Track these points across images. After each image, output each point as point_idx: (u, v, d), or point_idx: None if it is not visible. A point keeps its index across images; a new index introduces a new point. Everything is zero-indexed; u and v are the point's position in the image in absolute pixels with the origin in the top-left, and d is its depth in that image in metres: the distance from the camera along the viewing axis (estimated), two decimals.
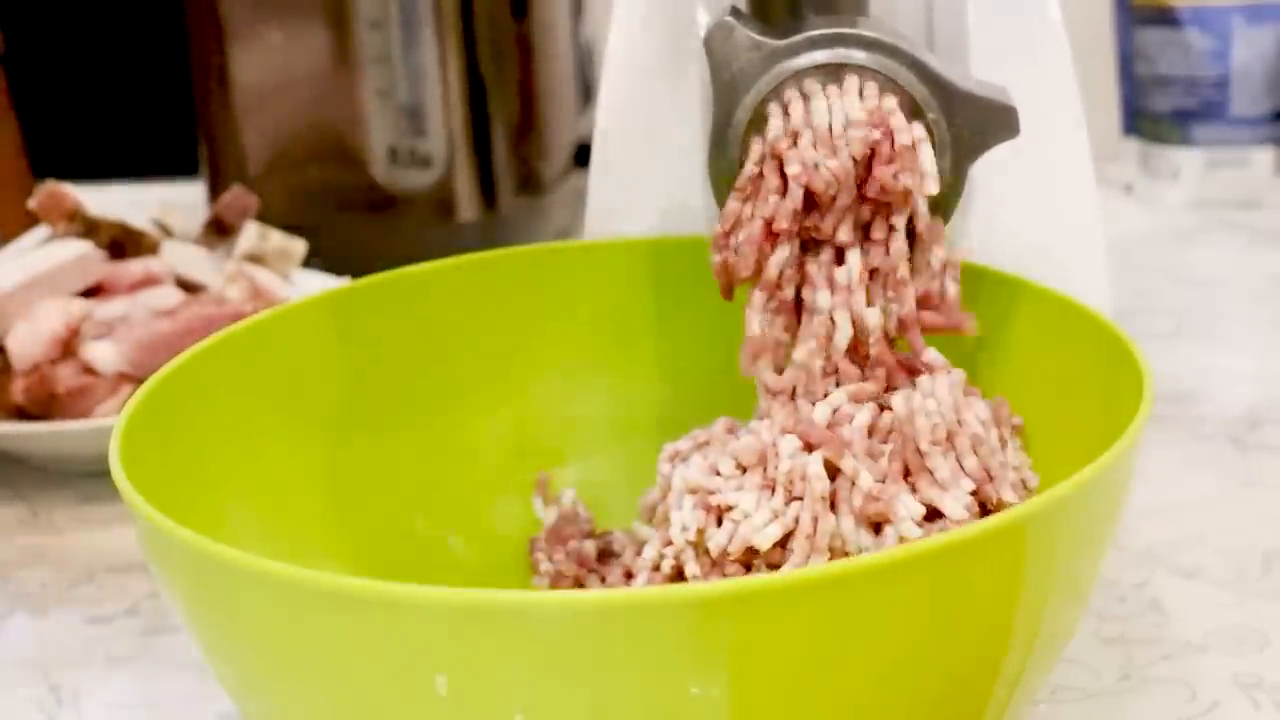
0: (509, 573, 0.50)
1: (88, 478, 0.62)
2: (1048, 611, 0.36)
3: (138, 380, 0.61)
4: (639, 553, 0.46)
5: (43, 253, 0.65)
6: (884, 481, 0.42)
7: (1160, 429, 0.61)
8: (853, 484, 0.42)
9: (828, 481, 0.42)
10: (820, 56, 0.45)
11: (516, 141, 0.85)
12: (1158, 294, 0.80)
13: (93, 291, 0.65)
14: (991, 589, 0.34)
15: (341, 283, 0.55)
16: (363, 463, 0.50)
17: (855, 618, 0.32)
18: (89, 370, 0.62)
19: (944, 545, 0.32)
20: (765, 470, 0.43)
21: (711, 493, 0.43)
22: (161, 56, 0.99)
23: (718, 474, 0.44)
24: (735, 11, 0.47)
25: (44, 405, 0.61)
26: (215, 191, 0.86)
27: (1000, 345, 0.47)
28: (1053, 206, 0.55)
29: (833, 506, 0.42)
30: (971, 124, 0.45)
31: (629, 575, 0.47)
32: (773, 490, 0.42)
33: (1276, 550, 0.51)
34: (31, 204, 0.69)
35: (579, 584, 0.49)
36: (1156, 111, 0.97)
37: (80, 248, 0.65)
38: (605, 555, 0.51)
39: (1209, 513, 0.54)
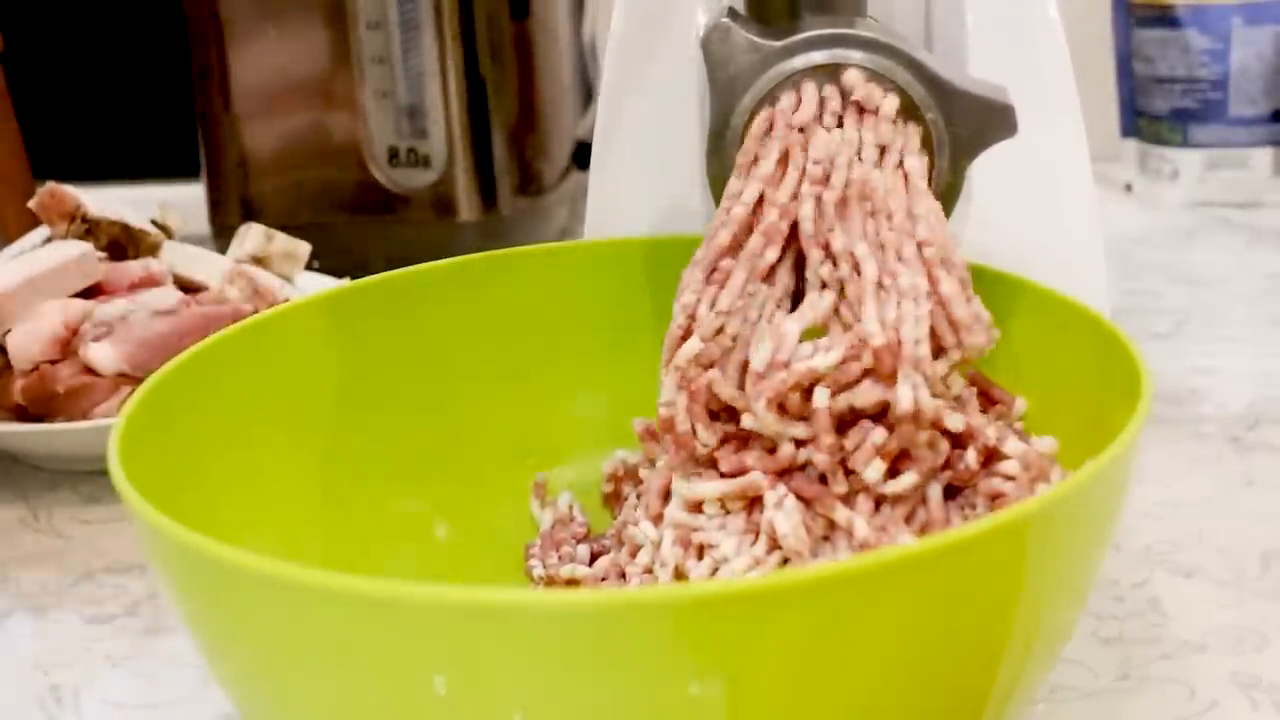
0: (508, 573, 0.50)
1: (88, 478, 0.62)
2: (1047, 611, 0.36)
3: (137, 380, 0.61)
4: (633, 555, 0.46)
5: (43, 253, 0.65)
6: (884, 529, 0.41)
7: (1159, 429, 0.61)
8: (850, 534, 0.41)
9: (804, 540, 0.41)
10: (818, 57, 0.45)
11: (516, 142, 0.85)
12: (1157, 294, 0.80)
13: (93, 291, 0.65)
14: (990, 589, 0.34)
15: (341, 283, 0.54)
16: (361, 463, 0.50)
17: (855, 618, 0.32)
18: (89, 370, 0.62)
19: (943, 545, 0.32)
20: (750, 515, 0.42)
21: (694, 530, 0.43)
22: (161, 56, 0.99)
23: (700, 510, 0.43)
24: (733, 13, 0.47)
25: (44, 405, 0.61)
26: (215, 192, 0.86)
27: (999, 345, 0.47)
28: (1051, 206, 0.55)
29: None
30: (969, 123, 0.45)
31: (622, 576, 0.47)
32: (756, 536, 0.42)
33: (1275, 550, 0.51)
34: (32, 204, 0.69)
35: (573, 584, 0.49)
36: (1156, 111, 0.97)
37: (80, 248, 0.65)
38: (600, 558, 0.50)
39: (1208, 512, 0.54)
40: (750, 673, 0.32)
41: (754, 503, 0.42)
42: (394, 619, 0.31)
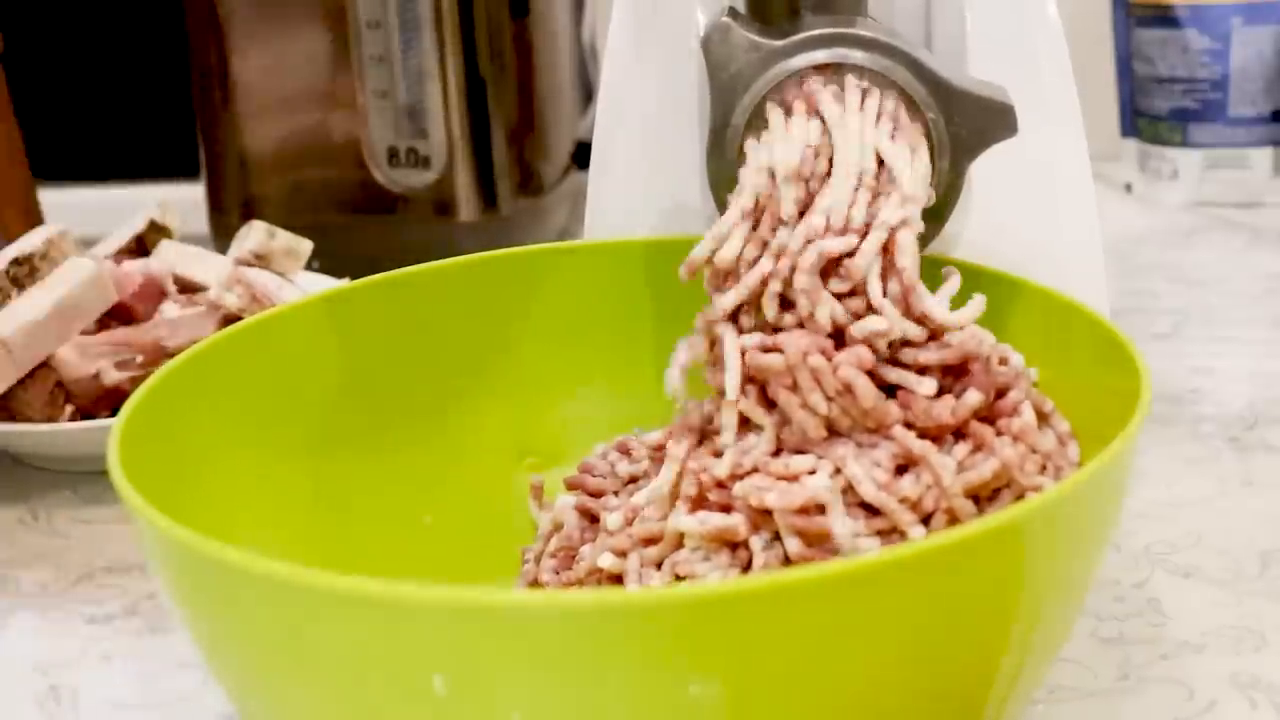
0: (507, 574, 0.50)
1: (88, 478, 0.62)
2: (1045, 612, 0.36)
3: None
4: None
5: (54, 277, 0.64)
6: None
7: (1159, 429, 0.61)
8: None
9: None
10: (818, 56, 0.45)
11: (516, 142, 0.85)
12: (1156, 294, 0.80)
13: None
14: (989, 589, 0.34)
15: (341, 283, 0.55)
16: (361, 464, 0.50)
17: (853, 618, 0.32)
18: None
19: (942, 545, 0.32)
20: (735, 551, 0.41)
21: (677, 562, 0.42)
22: (161, 56, 0.99)
23: (681, 546, 0.42)
24: (733, 12, 0.47)
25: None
26: (215, 192, 0.86)
27: None
28: (1050, 206, 0.55)
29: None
30: (970, 123, 0.45)
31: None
32: (745, 570, 0.41)
33: (1274, 550, 0.51)
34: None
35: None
36: (1155, 111, 0.97)
37: (88, 266, 0.64)
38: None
39: (1207, 513, 0.54)
40: (750, 673, 0.32)
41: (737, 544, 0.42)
42: (393, 619, 0.31)
